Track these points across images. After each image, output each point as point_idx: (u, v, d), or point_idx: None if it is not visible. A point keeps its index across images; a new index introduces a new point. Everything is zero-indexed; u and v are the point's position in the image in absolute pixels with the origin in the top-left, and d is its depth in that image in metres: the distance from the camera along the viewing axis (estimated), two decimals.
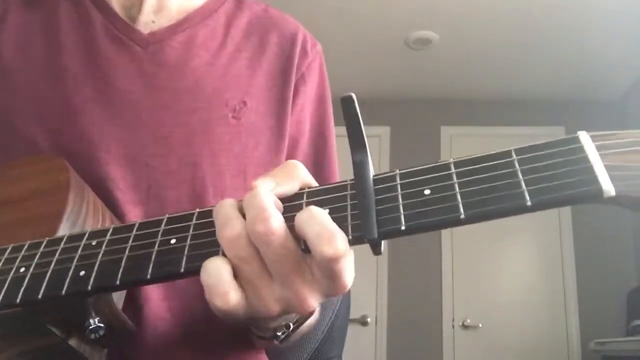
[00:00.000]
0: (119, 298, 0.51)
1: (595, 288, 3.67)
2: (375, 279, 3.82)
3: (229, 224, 0.40)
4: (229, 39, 0.72)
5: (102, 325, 0.46)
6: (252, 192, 0.40)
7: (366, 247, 0.40)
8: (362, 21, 3.30)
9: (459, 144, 4.09)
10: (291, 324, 0.50)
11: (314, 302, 0.41)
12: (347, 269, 0.39)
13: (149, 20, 0.70)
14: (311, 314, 0.49)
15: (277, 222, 0.38)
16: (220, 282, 0.39)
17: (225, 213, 0.40)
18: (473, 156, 0.40)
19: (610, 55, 3.49)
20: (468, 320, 3.74)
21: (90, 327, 0.46)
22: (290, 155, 0.72)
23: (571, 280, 3.74)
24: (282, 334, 0.51)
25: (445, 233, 3.82)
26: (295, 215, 0.39)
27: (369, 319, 3.77)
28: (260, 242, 0.39)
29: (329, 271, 0.38)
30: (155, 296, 0.60)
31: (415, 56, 3.63)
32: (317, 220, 0.38)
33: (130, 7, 0.71)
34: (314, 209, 0.39)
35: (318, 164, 0.76)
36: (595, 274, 3.69)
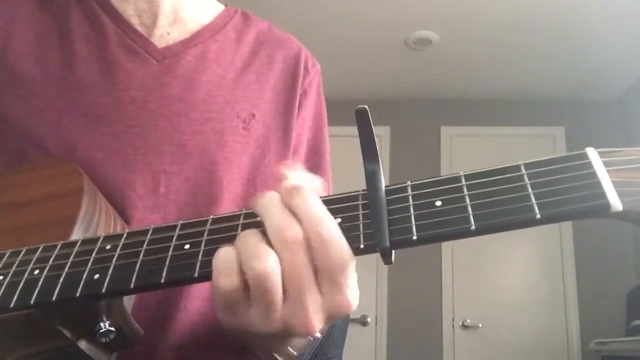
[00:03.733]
0: (127, 303, 0.52)
1: (595, 288, 3.67)
2: (375, 279, 3.83)
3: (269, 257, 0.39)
4: (238, 54, 0.76)
5: (112, 329, 0.47)
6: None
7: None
8: (362, 21, 3.30)
9: (459, 144, 4.09)
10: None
11: (317, 323, 0.40)
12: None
13: (164, 33, 0.73)
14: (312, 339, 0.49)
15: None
16: (229, 266, 0.40)
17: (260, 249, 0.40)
18: (483, 169, 0.41)
19: (610, 55, 3.50)
20: (468, 320, 3.75)
21: (101, 331, 0.46)
22: None
23: (571, 280, 3.75)
24: None
25: None
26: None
27: (369, 319, 3.78)
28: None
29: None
30: (154, 304, 0.61)
31: (415, 56, 3.64)
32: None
33: (142, 15, 0.73)
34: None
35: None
36: (595, 274, 3.70)
